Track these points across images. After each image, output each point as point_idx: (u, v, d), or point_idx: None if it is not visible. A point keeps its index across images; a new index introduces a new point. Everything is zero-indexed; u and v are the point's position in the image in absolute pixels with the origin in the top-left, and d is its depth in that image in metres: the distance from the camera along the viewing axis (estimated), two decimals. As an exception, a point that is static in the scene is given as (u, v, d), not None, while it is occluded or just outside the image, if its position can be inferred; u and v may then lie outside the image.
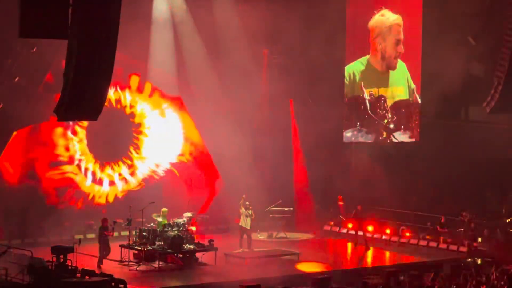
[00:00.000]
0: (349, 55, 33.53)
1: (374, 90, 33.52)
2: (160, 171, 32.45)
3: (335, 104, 33.03)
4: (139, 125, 32.22)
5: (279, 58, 34.15)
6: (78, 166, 30.74)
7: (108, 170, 31.38)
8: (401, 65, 33.04)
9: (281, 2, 31.92)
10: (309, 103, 34.58)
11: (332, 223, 33.45)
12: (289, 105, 34.90)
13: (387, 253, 29.69)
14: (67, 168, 30.52)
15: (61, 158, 30.44)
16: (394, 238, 31.11)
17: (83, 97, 18.57)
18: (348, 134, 33.85)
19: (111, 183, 31.44)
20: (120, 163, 31.69)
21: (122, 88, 31.50)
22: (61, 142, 30.40)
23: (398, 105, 33.26)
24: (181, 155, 32.87)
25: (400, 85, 33.28)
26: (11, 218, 29.16)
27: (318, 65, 32.21)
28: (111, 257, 26.15)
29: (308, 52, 32.64)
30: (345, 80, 33.70)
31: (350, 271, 26.03)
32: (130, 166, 31.86)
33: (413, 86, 32.80)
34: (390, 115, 33.28)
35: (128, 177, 31.74)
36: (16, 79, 28.41)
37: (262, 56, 33.80)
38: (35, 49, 28.04)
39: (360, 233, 30.40)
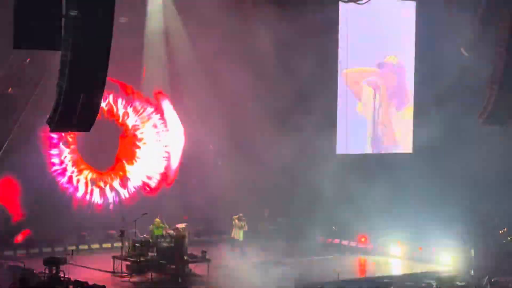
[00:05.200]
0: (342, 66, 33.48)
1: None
2: (152, 183, 32.32)
3: (327, 115, 32.97)
4: (132, 136, 32.11)
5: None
6: (70, 177, 30.67)
7: (100, 182, 31.26)
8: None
9: (275, 13, 31.91)
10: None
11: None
12: None
13: (380, 265, 29.67)
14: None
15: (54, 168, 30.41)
16: (388, 250, 31.02)
17: (76, 108, 18.60)
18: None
19: (103, 194, 31.36)
20: (112, 174, 31.57)
21: (115, 99, 31.42)
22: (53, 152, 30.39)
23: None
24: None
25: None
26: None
27: (311, 76, 32.11)
28: (104, 268, 26.11)
29: (301, 61, 32.55)
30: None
31: (343, 283, 25.95)
32: (122, 178, 31.75)
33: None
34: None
35: (120, 189, 31.62)
36: (9, 90, 28.37)
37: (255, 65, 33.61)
38: (28, 60, 28.01)
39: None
